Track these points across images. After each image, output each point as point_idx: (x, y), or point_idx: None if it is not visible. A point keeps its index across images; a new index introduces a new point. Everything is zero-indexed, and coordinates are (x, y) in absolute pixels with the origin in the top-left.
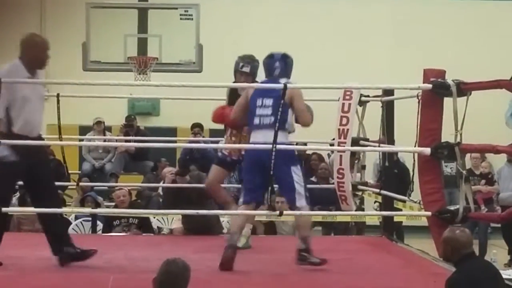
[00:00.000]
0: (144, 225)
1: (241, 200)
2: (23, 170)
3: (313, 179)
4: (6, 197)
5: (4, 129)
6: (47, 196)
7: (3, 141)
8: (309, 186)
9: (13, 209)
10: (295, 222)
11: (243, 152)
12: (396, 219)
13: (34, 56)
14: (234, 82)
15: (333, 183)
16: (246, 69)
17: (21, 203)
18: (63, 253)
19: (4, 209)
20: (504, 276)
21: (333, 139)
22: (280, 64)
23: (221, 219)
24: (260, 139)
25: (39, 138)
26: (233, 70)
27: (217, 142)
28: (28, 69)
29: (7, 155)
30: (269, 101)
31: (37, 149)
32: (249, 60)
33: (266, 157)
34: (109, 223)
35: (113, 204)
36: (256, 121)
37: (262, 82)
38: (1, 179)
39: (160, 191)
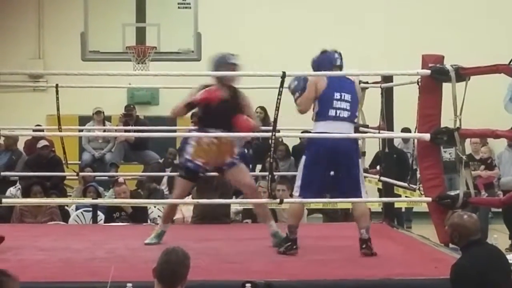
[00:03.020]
0: (138, 216)
1: (297, 194)
2: None
3: None
4: None
5: None
6: None
7: None
8: None
9: (14, 201)
10: (355, 212)
11: (229, 160)
12: (396, 205)
13: None
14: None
15: None
16: (235, 60)
17: (25, 194)
18: None
19: (5, 200)
20: None
21: None
22: (341, 62)
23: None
24: (335, 130)
25: None
26: (215, 65)
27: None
28: None
29: None
30: (348, 96)
31: None
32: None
33: (343, 148)
34: (110, 215)
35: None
36: (332, 113)
37: (334, 78)
38: None
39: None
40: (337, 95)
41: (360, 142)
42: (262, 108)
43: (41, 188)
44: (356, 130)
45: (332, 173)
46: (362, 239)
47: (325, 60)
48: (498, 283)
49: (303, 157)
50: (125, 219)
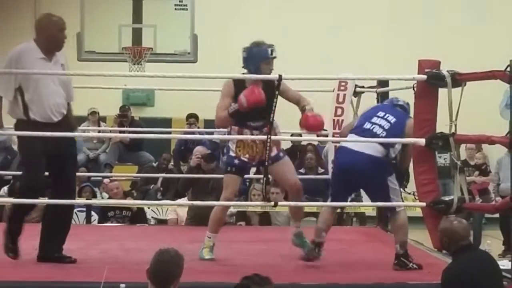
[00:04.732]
0: (137, 218)
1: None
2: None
3: (301, 170)
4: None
5: (21, 114)
6: (59, 194)
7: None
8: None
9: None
10: (393, 224)
11: (275, 153)
12: None
13: (50, 36)
14: (253, 73)
15: (321, 173)
16: (275, 54)
17: (11, 193)
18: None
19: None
20: None
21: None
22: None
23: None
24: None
25: (62, 123)
26: (253, 59)
27: (212, 133)
28: (44, 51)
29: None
30: (392, 118)
31: (59, 140)
32: (271, 44)
33: (359, 167)
34: (104, 214)
35: (107, 196)
36: (368, 126)
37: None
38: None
39: (159, 183)
40: (381, 113)
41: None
42: None
43: None
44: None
45: (352, 196)
46: (396, 254)
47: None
48: (489, 287)
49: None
50: (120, 218)
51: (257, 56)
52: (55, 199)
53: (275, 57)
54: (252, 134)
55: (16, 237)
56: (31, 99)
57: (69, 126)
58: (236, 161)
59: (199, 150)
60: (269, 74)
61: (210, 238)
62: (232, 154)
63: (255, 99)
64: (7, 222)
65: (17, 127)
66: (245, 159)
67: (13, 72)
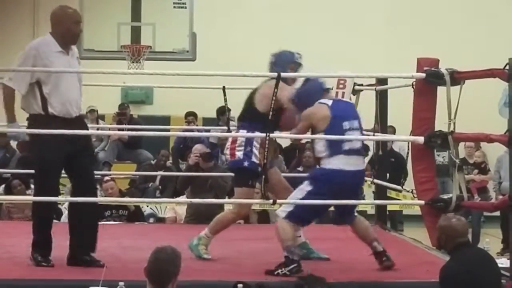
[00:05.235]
0: (134, 218)
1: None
2: (61, 157)
3: (299, 168)
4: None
5: (38, 109)
6: (80, 191)
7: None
8: (296, 175)
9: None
10: (359, 230)
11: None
12: (389, 208)
13: (65, 28)
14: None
15: None
16: (301, 60)
17: (7, 191)
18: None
19: None
20: None
21: None
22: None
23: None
24: (350, 166)
25: (79, 119)
26: (282, 63)
27: (209, 131)
28: (61, 44)
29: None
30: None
31: (78, 135)
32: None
33: (356, 186)
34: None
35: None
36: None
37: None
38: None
39: (157, 182)
40: (346, 125)
41: None
42: None
43: (19, 181)
44: None
45: (331, 208)
46: (377, 252)
47: (316, 87)
48: (487, 285)
49: (308, 186)
50: (117, 217)
51: (286, 60)
52: (77, 197)
53: (301, 64)
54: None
55: (47, 252)
56: (50, 93)
57: (85, 123)
58: (260, 169)
59: (197, 148)
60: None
61: (208, 237)
62: (255, 160)
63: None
64: (32, 234)
65: (33, 122)
66: (256, 161)
67: (28, 70)
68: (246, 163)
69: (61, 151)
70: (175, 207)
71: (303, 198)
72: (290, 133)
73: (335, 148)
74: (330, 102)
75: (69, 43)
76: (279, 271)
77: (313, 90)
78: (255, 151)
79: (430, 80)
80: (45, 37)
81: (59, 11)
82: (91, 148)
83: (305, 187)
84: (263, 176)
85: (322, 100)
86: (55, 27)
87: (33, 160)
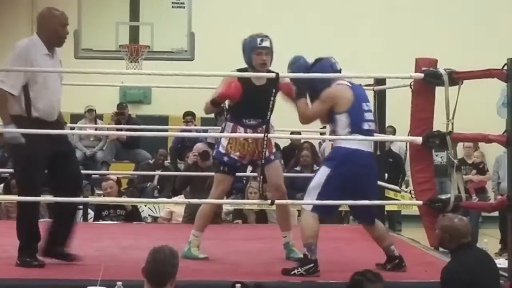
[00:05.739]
0: (132, 217)
1: (315, 213)
2: (45, 159)
3: (297, 168)
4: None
5: (20, 111)
6: (63, 188)
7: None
8: (294, 175)
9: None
10: (375, 233)
11: (266, 155)
12: (387, 208)
13: (52, 30)
14: (247, 64)
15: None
16: (267, 43)
17: (6, 191)
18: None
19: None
20: None
21: (322, 127)
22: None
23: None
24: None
25: (57, 121)
26: (246, 50)
27: (207, 131)
28: (47, 46)
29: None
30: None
31: (60, 137)
32: (265, 35)
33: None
34: (98, 213)
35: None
36: (365, 126)
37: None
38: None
39: (155, 181)
40: (365, 106)
41: None
42: None
43: None
44: None
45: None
46: (394, 256)
47: (327, 68)
48: (488, 286)
49: (326, 169)
50: (114, 217)
51: (249, 46)
52: (60, 197)
53: (266, 47)
54: (246, 132)
55: (34, 252)
56: (36, 96)
57: (63, 123)
58: (225, 158)
59: (198, 147)
60: (262, 64)
61: (197, 237)
62: (221, 150)
63: (226, 93)
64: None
65: (13, 123)
66: (235, 157)
67: (22, 70)
68: (214, 152)
69: (45, 152)
70: (173, 206)
71: (324, 182)
72: (306, 113)
73: (356, 127)
74: (349, 83)
75: (54, 45)
76: (296, 271)
77: (324, 71)
78: (223, 141)
79: (428, 80)
80: (33, 38)
81: (46, 13)
82: (72, 149)
83: (324, 170)
84: (261, 176)
85: (339, 81)
86: (41, 29)
87: (15, 161)
